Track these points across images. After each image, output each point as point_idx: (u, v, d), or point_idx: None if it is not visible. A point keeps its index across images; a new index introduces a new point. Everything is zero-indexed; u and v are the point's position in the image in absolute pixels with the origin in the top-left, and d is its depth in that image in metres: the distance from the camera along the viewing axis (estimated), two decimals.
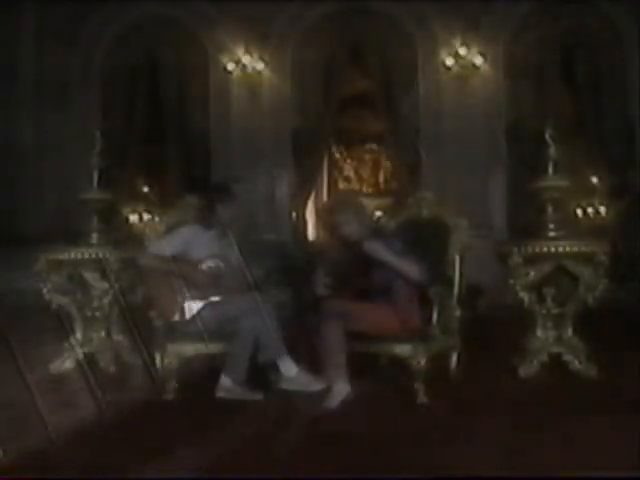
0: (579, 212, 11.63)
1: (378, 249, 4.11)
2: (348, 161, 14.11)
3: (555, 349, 5.02)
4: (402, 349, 4.24)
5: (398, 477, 3.13)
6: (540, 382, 4.81)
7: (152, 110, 10.24)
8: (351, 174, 14.22)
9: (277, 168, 10.10)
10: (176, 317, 4.46)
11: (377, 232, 4.26)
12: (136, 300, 5.50)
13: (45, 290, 5.31)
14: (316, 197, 11.92)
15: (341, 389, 4.12)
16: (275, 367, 4.39)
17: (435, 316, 4.46)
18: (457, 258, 4.70)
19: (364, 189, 14.20)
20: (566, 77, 9.83)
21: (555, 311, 5.05)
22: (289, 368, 4.25)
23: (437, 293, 4.49)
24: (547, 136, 5.35)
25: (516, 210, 9.89)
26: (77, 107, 10.29)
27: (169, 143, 10.33)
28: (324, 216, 4.46)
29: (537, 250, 4.89)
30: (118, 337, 5.49)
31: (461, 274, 4.70)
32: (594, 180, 11.56)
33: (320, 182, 12.43)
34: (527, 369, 4.95)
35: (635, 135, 9.67)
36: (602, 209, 11.49)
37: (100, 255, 5.19)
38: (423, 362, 4.21)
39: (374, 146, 14.05)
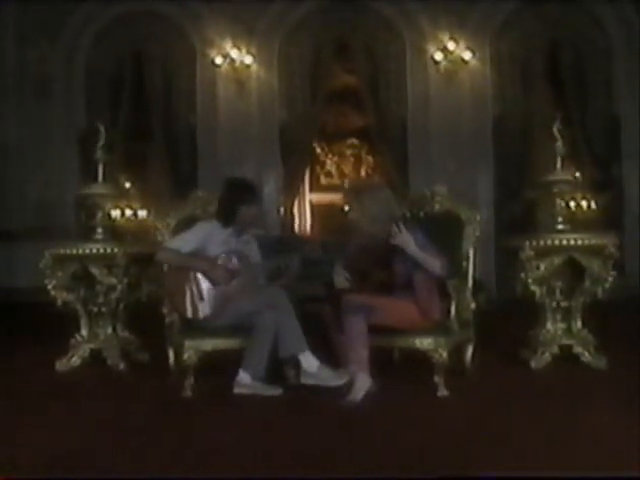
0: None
1: (408, 242, 4.10)
2: (330, 156, 14.12)
3: (565, 341, 5.07)
4: (423, 342, 4.25)
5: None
6: (554, 374, 4.85)
7: (138, 105, 10.10)
8: (333, 169, 14.24)
9: (265, 163, 10.02)
10: (192, 313, 4.40)
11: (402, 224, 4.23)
12: (141, 296, 5.46)
13: (50, 287, 5.21)
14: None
15: (363, 383, 4.11)
16: (293, 362, 4.38)
17: (453, 309, 4.46)
18: (471, 251, 4.70)
19: (346, 184, 14.22)
20: (551, 73, 9.91)
21: (564, 304, 5.11)
22: (310, 363, 4.22)
23: (455, 286, 4.50)
24: (555, 130, 5.34)
25: (502, 204, 9.99)
26: (60, 102, 10.11)
27: (155, 138, 10.20)
28: (347, 205, 4.40)
29: (548, 243, 4.93)
30: (124, 333, 5.42)
31: (475, 267, 4.71)
32: (576, 174, 11.75)
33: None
34: (538, 361, 4.99)
35: (619, 130, 9.80)
36: (584, 203, 11.67)
37: (108, 250, 5.11)
38: (445, 355, 4.23)
39: (355, 141, 14.09)
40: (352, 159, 14.28)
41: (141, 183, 10.49)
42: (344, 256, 4.41)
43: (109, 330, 5.34)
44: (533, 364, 4.98)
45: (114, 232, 10.71)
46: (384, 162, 10.68)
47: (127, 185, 11.49)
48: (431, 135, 10.04)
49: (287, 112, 10.21)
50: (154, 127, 10.16)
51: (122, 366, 5.17)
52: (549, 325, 5.12)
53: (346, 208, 4.36)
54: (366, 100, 10.42)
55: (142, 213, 11.59)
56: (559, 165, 5.36)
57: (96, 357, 5.29)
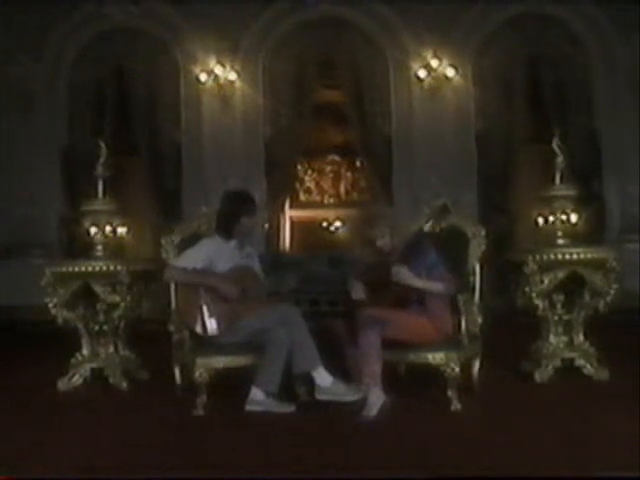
0: (540, 220, 11.96)
1: (404, 275, 4.15)
2: (309, 173, 14.16)
3: (567, 354, 5.13)
4: (435, 357, 4.28)
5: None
6: (559, 386, 4.91)
7: (121, 121, 10.00)
8: (312, 185, 14.27)
9: (249, 179, 10.00)
10: (202, 330, 4.38)
11: (411, 244, 4.27)
12: (142, 313, 5.41)
13: (51, 305, 5.14)
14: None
15: (377, 398, 4.13)
16: (305, 378, 4.38)
17: (464, 323, 4.49)
18: (477, 266, 4.74)
19: (325, 200, 14.29)
20: (532, 89, 10.05)
21: (566, 317, 5.18)
22: (324, 379, 4.22)
23: (464, 301, 4.53)
24: (554, 146, 5.43)
25: (487, 218, 10.06)
26: (43, 119, 10.00)
27: (139, 155, 10.11)
28: (360, 227, 4.45)
29: (552, 258, 5.00)
30: (124, 352, 5.36)
31: (481, 281, 4.75)
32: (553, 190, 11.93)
33: None
34: (542, 374, 5.04)
35: (600, 145, 9.97)
36: (563, 217, 11.83)
37: (111, 268, 5.06)
38: (457, 369, 4.26)
39: (335, 157, 14.15)
40: (331, 175, 14.32)
41: (124, 200, 10.36)
42: (358, 270, 4.43)
43: (110, 349, 5.28)
44: (537, 377, 5.04)
45: (91, 249, 10.71)
46: (368, 178, 10.71)
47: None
48: (415, 151, 10.08)
49: (271, 128, 10.18)
50: (138, 143, 10.05)
51: (125, 385, 5.10)
52: (551, 338, 5.19)
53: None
54: (350, 116, 10.45)
55: (121, 230, 11.50)
56: (558, 180, 5.42)
57: (98, 376, 5.22)
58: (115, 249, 5.47)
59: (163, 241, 4.87)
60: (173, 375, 4.83)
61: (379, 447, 3.63)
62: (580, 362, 5.09)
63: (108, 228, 11.85)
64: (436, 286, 4.25)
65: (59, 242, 9.95)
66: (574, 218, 11.96)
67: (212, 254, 4.46)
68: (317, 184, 14.32)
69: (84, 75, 10.09)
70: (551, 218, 12.71)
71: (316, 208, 14.16)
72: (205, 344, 4.39)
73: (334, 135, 13.47)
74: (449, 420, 4.13)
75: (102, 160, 5.44)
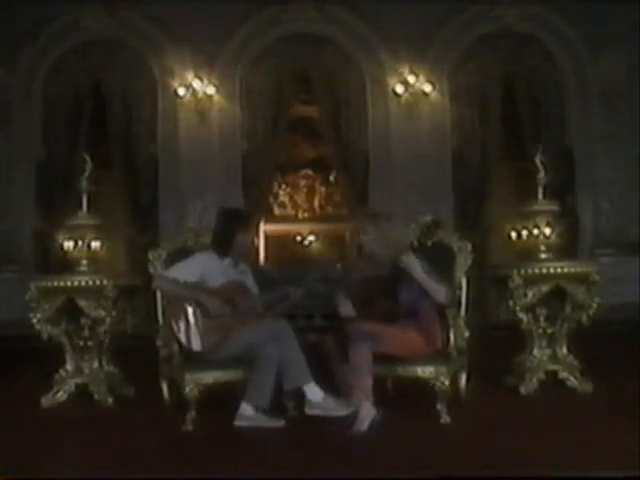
0: (514, 235, 12.12)
1: (414, 264, 4.17)
2: (283, 187, 14.14)
3: (551, 367, 5.20)
4: (425, 371, 4.32)
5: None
6: (545, 399, 4.97)
7: (97, 135, 9.94)
8: (286, 200, 14.26)
9: (226, 193, 9.99)
10: (187, 344, 4.36)
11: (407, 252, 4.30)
12: (126, 328, 5.37)
13: (35, 320, 5.08)
14: None
15: (368, 412, 4.13)
16: (294, 393, 4.38)
17: (452, 337, 4.52)
18: (464, 280, 4.79)
19: (299, 214, 14.29)
20: (507, 105, 10.20)
21: (549, 330, 5.25)
22: (315, 393, 4.21)
23: (453, 315, 4.57)
24: (537, 161, 5.51)
25: (462, 234, 10.14)
26: (17, 131, 9.90)
27: (115, 168, 10.05)
28: (362, 230, 4.46)
29: (536, 271, 5.08)
30: (109, 367, 5.30)
31: (468, 295, 4.79)
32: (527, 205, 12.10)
33: None
34: (527, 387, 5.10)
35: (573, 161, 10.14)
36: (536, 232, 11.99)
37: (97, 282, 5.01)
38: (447, 382, 4.30)
39: (309, 172, 14.17)
40: (305, 190, 14.33)
41: (99, 214, 10.28)
42: (347, 285, 4.45)
43: (95, 364, 5.21)
44: (522, 390, 5.09)
45: (65, 264, 10.58)
46: (344, 193, 10.77)
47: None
48: (392, 166, 10.16)
49: (248, 143, 10.20)
50: (114, 157, 10.01)
51: (110, 401, 5.05)
52: (535, 351, 5.25)
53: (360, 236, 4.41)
54: (327, 132, 10.51)
55: (95, 244, 11.40)
56: (540, 195, 5.51)
57: (82, 392, 5.16)
58: (91, 264, 5.39)
59: (151, 256, 4.84)
60: (159, 390, 4.80)
61: (372, 459, 3.65)
62: (564, 375, 5.16)
63: (80, 242, 11.78)
64: (438, 288, 4.27)
65: (34, 256, 9.84)
66: (547, 232, 12.16)
67: (205, 269, 4.45)
68: (291, 198, 14.31)
69: (60, 88, 10.03)
70: (524, 232, 12.90)
71: (290, 222, 14.14)
72: (195, 359, 4.37)
73: (308, 150, 13.50)
74: (439, 433, 4.16)
75: (87, 174, 5.38)
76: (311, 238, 14.28)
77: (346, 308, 4.33)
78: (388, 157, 10.19)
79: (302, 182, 14.34)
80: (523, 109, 10.18)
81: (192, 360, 4.38)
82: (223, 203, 9.80)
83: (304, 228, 14.24)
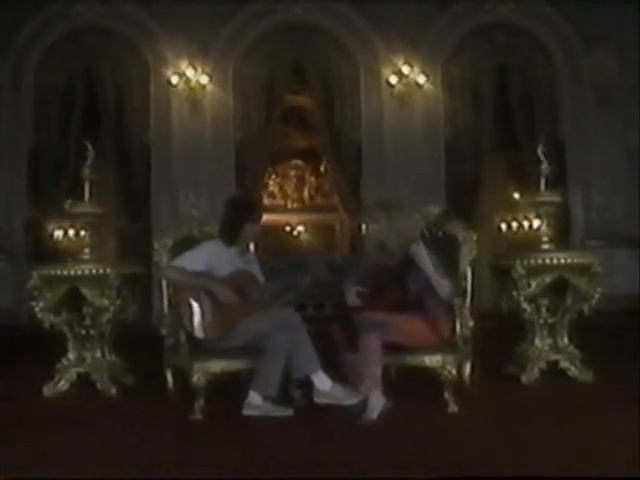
0: (503, 226, 12.20)
1: (423, 254, 4.19)
2: (273, 177, 14.13)
3: (552, 357, 5.25)
4: (432, 360, 4.33)
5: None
6: (547, 388, 5.02)
7: (89, 123, 9.87)
8: (276, 190, 14.25)
9: (219, 183, 9.97)
10: (195, 332, 4.35)
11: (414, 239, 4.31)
12: (128, 318, 5.34)
13: (37, 309, 5.04)
14: None
15: (378, 401, 4.15)
16: (302, 383, 4.38)
17: (458, 327, 4.54)
18: (468, 270, 4.81)
19: (288, 205, 14.29)
20: (499, 97, 10.25)
21: (551, 321, 5.29)
22: (324, 382, 4.22)
23: (458, 304, 4.59)
24: (540, 152, 5.54)
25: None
26: (8, 119, 9.80)
27: (107, 157, 9.97)
28: (372, 220, 4.47)
29: (539, 262, 5.11)
30: (111, 357, 5.28)
31: (472, 286, 4.81)
32: (516, 196, 12.18)
33: None
34: (528, 376, 5.14)
35: (564, 154, 10.20)
36: (526, 224, 12.07)
37: (100, 271, 4.98)
38: (454, 372, 4.32)
39: (299, 162, 14.17)
40: (295, 180, 14.33)
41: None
42: (356, 274, 4.46)
43: (97, 353, 5.18)
44: (524, 379, 5.14)
45: (56, 253, 10.51)
46: (337, 183, 10.77)
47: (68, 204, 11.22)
48: (385, 157, 10.20)
49: (242, 132, 10.18)
50: (106, 145, 9.94)
51: (113, 390, 5.02)
52: (537, 341, 5.29)
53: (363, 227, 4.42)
54: (319, 122, 10.51)
55: (86, 233, 11.32)
56: (543, 187, 5.54)
57: (84, 381, 5.13)
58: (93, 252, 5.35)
59: (156, 245, 4.82)
60: (161, 380, 4.77)
61: (380, 448, 3.65)
62: (565, 364, 5.21)
63: (71, 231, 11.73)
64: (443, 282, 4.29)
65: (25, 245, 9.77)
66: (536, 224, 12.24)
67: (213, 258, 4.44)
68: (281, 188, 14.32)
69: (51, 75, 9.99)
70: (514, 224, 12.95)
71: (279, 212, 14.14)
72: (203, 348, 4.36)
73: (298, 140, 13.51)
74: (448, 422, 4.18)
75: (89, 162, 5.33)
76: (300, 228, 14.30)
77: (352, 297, 4.33)
78: (381, 148, 10.22)
79: (292, 172, 14.36)
80: (516, 101, 10.25)
81: (200, 349, 4.37)
82: (228, 192, 9.79)
83: (293, 218, 14.26)
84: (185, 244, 4.77)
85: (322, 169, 13.78)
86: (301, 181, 14.32)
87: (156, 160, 10.06)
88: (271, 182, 14.14)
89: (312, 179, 14.26)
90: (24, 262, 9.62)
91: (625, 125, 10.05)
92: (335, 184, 11.11)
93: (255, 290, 4.49)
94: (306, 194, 14.33)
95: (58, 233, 11.12)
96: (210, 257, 4.45)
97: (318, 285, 4.44)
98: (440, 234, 4.63)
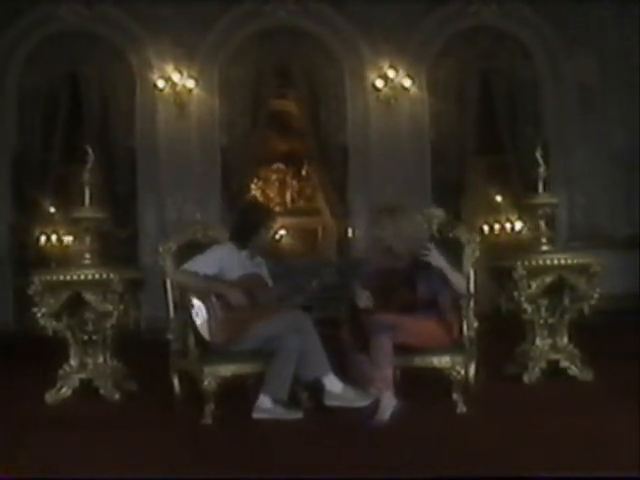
0: (486, 228, 12.31)
1: (440, 258, 4.23)
2: (255, 180, 14.09)
3: (552, 356, 5.32)
4: (441, 361, 4.37)
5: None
6: (549, 387, 5.08)
7: (73, 127, 9.79)
8: (258, 194, 14.21)
9: (206, 187, 9.96)
10: (208, 336, 4.35)
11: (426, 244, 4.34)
12: (129, 323, 5.30)
13: (39, 315, 4.98)
14: None
15: (389, 402, 4.17)
16: (310, 385, 4.39)
17: (465, 327, 4.58)
18: (472, 272, 4.85)
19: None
20: (484, 100, 10.35)
21: (551, 321, 5.36)
22: (335, 385, 4.23)
23: (465, 305, 4.63)
24: (537, 155, 5.61)
25: None
26: None
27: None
28: (379, 224, 4.50)
29: (540, 263, 5.18)
30: (112, 362, 5.24)
31: (476, 287, 4.86)
32: (498, 198, 12.31)
33: None
34: (530, 376, 5.21)
35: (547, 156, 10.29)
36: (508, 226, 12.21)
37: (104, 276, 4.94)
38: (463, 372, 4.36)
39: (281, 165, 14.15)
40: (277, 184, 14.30)
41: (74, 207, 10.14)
42: (364, 276, 4.48)
43: (100, 359, 5.14)
44: (526, 379, 5.20)
45: (41, 258, 10.38)
46: (323, 186, 10.80)
47: (51, 210, 11.12)
48: (371, 160, 10.23)
49: (227, 136, 10.16)
50: (91, 150, 9.82)
51: (117, 396, 4.99)
52: (537, 341, 5.36)
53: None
54: (304, 125, 10.54)
55: (68, 239, 11.25)
56: (541, 188, 5.61)
57: (86, 387, 5.09)
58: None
59: (160, 249, 4.80)
60: (166, 385, 4.77)
61: (390, 449, 3.68)
62: (565, 364, 5.28)
63: (54, 237, 11.56)
64: (460, 280, 4.39)
65: (9, 251, 9.67)
66: (518, 226, 12.30)
67: (224, 261, 4.45)
68: (263, 192, 14.28)
69: (35, 79, 9.88)
70: (496, 226, 13.02)
71: None
72: (213, 352, 4.35)
73: (280, 143, 13.50)
74: (458, 422, 4.23)
75: (89, 166, 5.30)
76: (282, 232, 14.27)
77: (363, 299, 4.34)
78: (367, 151, 10.26)
79: (274, 176, 14.33)
80: (500, 104, 10.35)
81: (210, 353, 4.36)
82: (202, 196, 9.81)
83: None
84: (189, 248, 4.77)
85: (304, 173, 13.80)
86: (283, 185, 14.29)
87: (142, 165, 10.00)
88: (253, 186, 14.11)
89: (294, 183, 14.25)
90: (9, 268, 9.55)
91: (607, 126, 10.19)
92: (321, 187, 11.13)
93: (264, 293, 4.50)
94: (288, 198, 14.31)
95: (43, 239, 11.06)
96: (221, 260, 4.46)
97: (324, 288, 4.47)
98: (451, 235, 4.67)
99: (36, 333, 5.17)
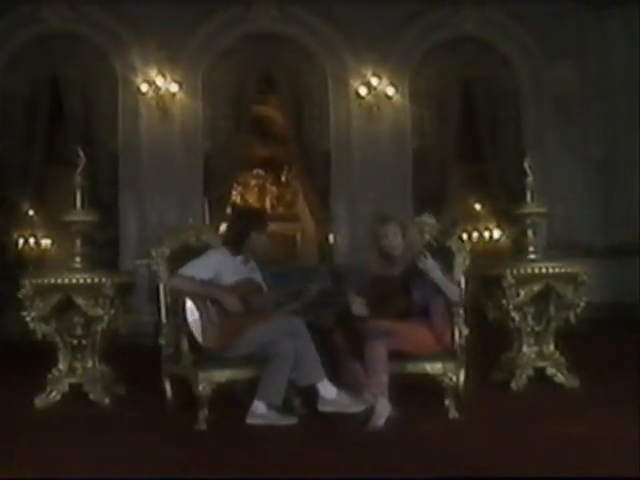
0: (464, 236, 12.39)
1: (435, 267, 4.27)
2: (234, 186, 14.06)
3: (539, 363, 5.39)
4: (433, 367, 4.43)
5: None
6: (536, 394, 5.16)
7: (55, 130, 9.71)
8: (237, 199, 14.19)
9: (188, 192, 9.93)
10: (202, 341, 4.35)
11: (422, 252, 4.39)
12: (119, 327, 5.28)
13: (29, 318, 4.94)
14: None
15: (384, 409, 4.21)
16: (302, 390, 4.42)
17: (457, 334, 4.63)
18: (462, 279, 4.90)
19: None
20: (465, 109, 10.44)
21: (538, 328, 5.44)
22: (329, 391, 4.26)
23: (456, 312, 4.68)
24: (525, 165, 5.69)
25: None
26: None
27: (72, 165, 9.79)
28: (370, 234, 4.54)
29: (528, 271, 5.25)
30: (101, 366, 5.21)
31: (466, 294, 4.91)
32: (477, 207, 12.41)
33: None
34: (517, 383, 5.28)
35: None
36: (486, 234, 12.31)
37: (95, 280, 4.92)
38: (455, 379, 4.42)
39: (260, 171, 14.15)
40: (257, 190, 14.30)
41: (56, 210, 10.06)
42: (359, 283, 4.51)
43: (89, 363, 5.11)
44: (513, 385, 5.27)
45: (19, 261, 10.26)
46: (306, 192, 10.83)
47: (30, 212, 11.01)
48: (353, 167, 10.27)
49: (211, 141, 10.14)
50: (72, 153, 9.75)
51: (107, 400, 4.96)
52: (524, 348, 5.43)
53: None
54: (286, 131, 10.56)
55: (46, 242, 11.15)
56: (529, 198, 5.68)
57: (76, 392, 5.05)
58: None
59: (154, 253, 4.79)
60: (156, 389, 4.78)
61: (384, 454, 3.71)
62: (551, 371, 5.36)
63: (32, 240, 11.44)
64: (454, 289, 4.44)
65: None
66: (497, 235, 12.38)
67: (219, 266, 4.47)
68: (242, 197, 14.27)
69: (17, 81, 9.77)
70: (475, 234, 13.10)
71: None
72: (207, 357, 4.35)
73: (261, 149, 13.49)
74: (451, 427, 4.28)
75: (80, 169, 5.28)
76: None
77: (358, 306, 4.38)
78: (350, 158, 10.30)
79: (253, 182, 14.33)
80: (481, 113, 10.45)
81: (204, 358, 4.36)
82: (185, 201, 9.79)
83: None
84: (183, 253, 4.78)
85: (283, 179, 13.83)
86: (262, 191, 14.29)
87: (124, 169, 9.93)
88: (233, 192, 14.08)
89: (273, 189, 14.26)
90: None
91: (585, 137, 10.35)
92: (303, 193, 11.15)
93: (259, 298, 4.52)
94: (268, 204, 14.31)
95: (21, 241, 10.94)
96: (217, 265, 4.47)
97: (321, 294, 4.49)
98: (447, 244, 4.72)
99: (16, 337, 5.13)
